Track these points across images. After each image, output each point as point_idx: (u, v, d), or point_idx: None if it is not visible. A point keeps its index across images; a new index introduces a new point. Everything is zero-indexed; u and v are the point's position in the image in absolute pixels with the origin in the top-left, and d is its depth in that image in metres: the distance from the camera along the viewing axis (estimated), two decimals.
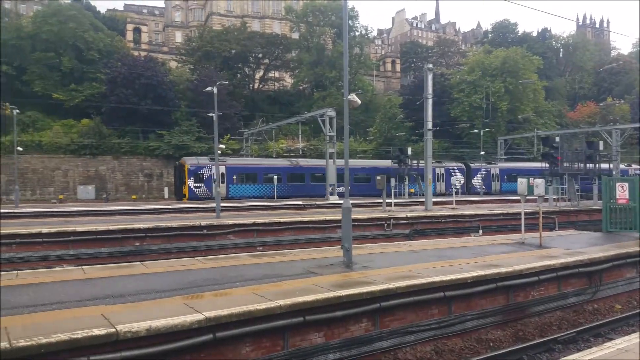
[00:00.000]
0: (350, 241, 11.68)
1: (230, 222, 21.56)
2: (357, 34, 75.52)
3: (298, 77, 77.11)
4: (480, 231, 24.60)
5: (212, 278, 10.14)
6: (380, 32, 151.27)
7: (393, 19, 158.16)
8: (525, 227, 16.58)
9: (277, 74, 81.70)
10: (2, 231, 17.83)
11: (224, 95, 53.96)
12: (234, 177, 42.49)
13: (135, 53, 70.44)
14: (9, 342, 5.85)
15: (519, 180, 15.59)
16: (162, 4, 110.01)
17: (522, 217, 16.24)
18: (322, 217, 23.64)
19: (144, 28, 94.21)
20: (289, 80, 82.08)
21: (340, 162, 42.60)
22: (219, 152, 45.10)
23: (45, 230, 18.27)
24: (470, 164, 55.03)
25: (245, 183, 42.87)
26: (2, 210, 28.44)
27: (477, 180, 54.27)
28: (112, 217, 25.09)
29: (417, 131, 56.50)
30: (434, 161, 50.83)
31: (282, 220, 22.61)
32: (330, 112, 41.30)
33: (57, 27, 60.24)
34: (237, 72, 72.61)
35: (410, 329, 9.38)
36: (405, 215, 25.05)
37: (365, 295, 8.71)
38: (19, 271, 11.66)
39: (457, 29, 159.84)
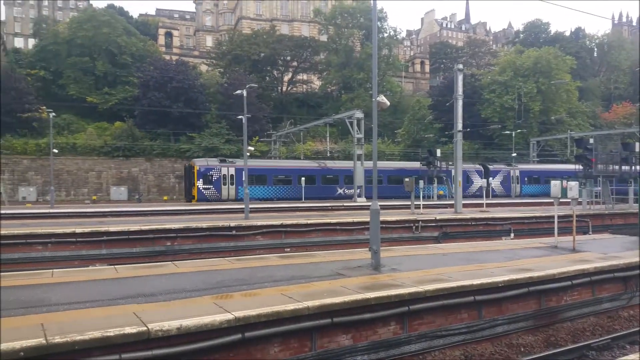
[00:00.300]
0: (378, 243, 11.61)
1: (259, 223, 21.71)
2: (385, 35, 75.21)
3: (326, 79, 77.27)
4: (512, 234, 24.12)
5: (241, 278, 10.24)
6: (409, 33, 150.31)
7: (422, 19, 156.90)
8: (558, 231, 16.17)
9: (305, 77, 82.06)
10: (38, 231, 18.42)
11: (253, 98, 54.50)
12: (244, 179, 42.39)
13: (167, 57, 71.79)
14: (45, 338, 6.04)
15: (552, 182, 15.21)
16: (193, 9, 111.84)
17: (556, 220, 15.85)
18: (349, 219, 23.59)
19: (175, 32, 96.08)
20: (317, 83, 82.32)
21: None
22: (222, 155, 45.64)
23: (79, 230, 18.75)
24: (489, 165, 53.03)
25: (255, 185, 42.37)
26: (38, 210, 29.38)
27: (495, 183, 51.56)
28: (144, 218, 25.57)
29: (446, 133, 55.82)
30: (453, 162, 49.69)
31: (309, 221, 22.64)
32: (358, 114, 41.17)
33: (91, 32, 62.06)
34: (266, 74, 73.26)
35: (439, 333, 9.27)
36: (434, 218, 24.76)
37: (394, 298, 8.65)
38: (54, 270, 12.03)
39: (488, 29, 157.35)
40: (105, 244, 18.77)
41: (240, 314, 7.19)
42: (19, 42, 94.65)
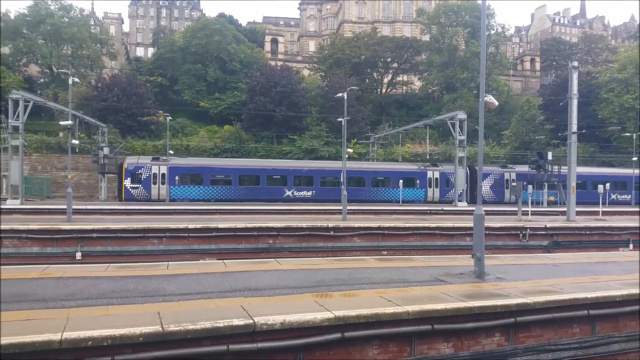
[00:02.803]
0: (482, 250, 11.15)
1: (356, 224, 21.83)
2: (492, 32, 72.02)
3: (427, 79, 75.70)
4: (631, 245, 21.98)
5: (340, 278, 10.37)
6: (517, 29, 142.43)
7: (532, 15, 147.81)
8: None
9: (405, 78, 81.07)
10: (154, 225, 20.03)
11: (352, 100, 54.99)
12: (177, 178, 39.78)
13: (272, 63, 74.77)
14: (161, 325, 6.56)
15: None
16: (297, 15, 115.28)
17: None
18: (450, 224, 22.91)
19: (280, 39, 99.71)
20: (417, 84, 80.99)
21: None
22: (157, 154, 43.01)
23: (191, 226, 20.13)
24: (476, 168, 47.23)
25: (190, 184, 40.11)
26: (154, 207, 31.93)
27: (484, 187, 45.37)
28: (249, 216, 26.80)
29: (558, 134, 52.00)
30: (427, 165, 45.67)
31: (407, 225, 22.33)
32: (461, 115, 39.77)
33: (204, 41, 66.56)
34: (365, 77, 73.49)
35: (547, 347, 8.69)
36: (544, 226, 23.26)
37: (500, 308, 8.27)
38: (169, 262, 13.04)
39: (606, 23, 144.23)
40: (214, 240, 19.96)
41: (340, 313, 7.29)
42: (140, 52, 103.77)
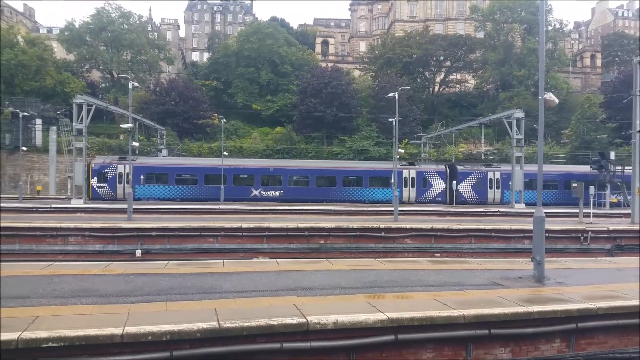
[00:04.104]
0: (542, 254, 10.74)
1: (408, 226, 21.55)
2: (550, 28, 69.37)
3: (482, 77, 73.85)
4: None
5: (392, 280, 10.28)
6: (577, 24, 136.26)
7: (593, 9, 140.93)
8: None
9: (458, 76, 79.43)
10: (210, 225, 20.57)
11: (404, 100, 54.38)
12: (142, 177, 39.77)
13: (323, 64, 75.16)
14: (217, 322, 6.73)
15: None
16: (348, 16, 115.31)
17: None
18: (507, 226, 22.21)
19: (331, 40, 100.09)
20: (471, 82, 79.13)
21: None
22: (123, 153, 42.40)
23: (245, 225, 20.53)
24: (458, 166, 44.41)
25: (155, 184, 40.02)
26: (210, 207, 32.80)
27: (465, 187, 42.83)
28: (299, 216, 27.03)
29: (622, 133, 49.42)
30: (403, 163, 43.36)
31: (461, 227, 21.83)
32: (518, 113, 38.43)
33: (257, 45, 67.88)
34: (417, 76, 72.54)
35: (612, 355, 8.28)
36: (606, 229, 22.12)
37: (561, 313, 7.94)
38: (224, 260, 13.36)
39: None
40: (266, 239, 20.29)
41: (393, 315, 7.22)
42: (195, 56, 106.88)
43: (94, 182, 39.47)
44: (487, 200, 42.57)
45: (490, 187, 43.00)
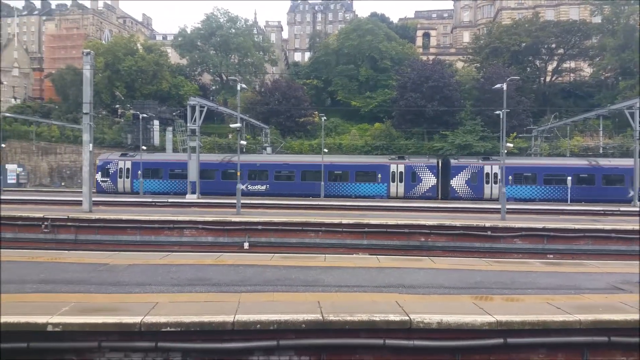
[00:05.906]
0: None
1: (517, 225, 20.45)
2: None
3: (599, 65, 67.65)
4: None
5: (500, 281, 9.83)
6: None
7: None
8: None
9: (573, 64, 73.50)
10: (311, 220, 21.07)
11: (512, 91, 51.35)
12: (139, 172, 41.35)
13: (424, 57, 73.46)
14: (321, 314, 6.89)
15: None
16: (450, 6, 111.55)
17: None
18: (628, 226, 20.22)
19: (432, 32, 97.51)
20: (587, 70, 72.86)
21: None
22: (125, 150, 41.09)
23: (344, 221, 20.77)
24: (452, 160, 41.10)
25: (150, 178, 41.99)
26: (309, 203, 33.56)
27: (458, 181, 39.97)
28: (398, 213, 26.73)
29: None
30: (392, 157, 41.48)
31: (577, 226, 20.29)
32: None
33: (356, 41, 68.05)
34: (526, 65, 68.27)
35: None
36: None
37: None
38: (325, 255, 13.63)
39: None
40: (366, 235, 20.34)
41: (502, 318, 6.91)
42: (297, 57, 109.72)
43: (98, 176, 42.41)
44: (484, 196, 40.00)
45: (488, 183, 40.37)
